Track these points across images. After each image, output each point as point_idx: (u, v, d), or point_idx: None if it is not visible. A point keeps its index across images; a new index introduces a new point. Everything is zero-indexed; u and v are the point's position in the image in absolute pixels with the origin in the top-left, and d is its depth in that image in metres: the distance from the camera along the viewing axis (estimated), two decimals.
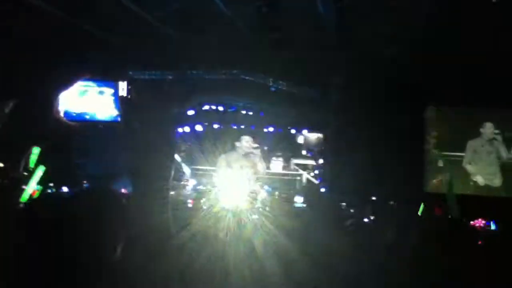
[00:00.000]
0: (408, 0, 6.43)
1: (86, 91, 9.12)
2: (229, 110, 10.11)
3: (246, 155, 5.34)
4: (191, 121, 10.16)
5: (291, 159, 10.23)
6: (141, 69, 9.56)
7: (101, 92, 9.26)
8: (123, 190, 6.62)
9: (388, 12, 6.73)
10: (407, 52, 7.64)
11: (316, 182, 9.79)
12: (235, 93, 9.80)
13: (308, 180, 9.94)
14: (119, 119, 8.74)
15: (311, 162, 10.22)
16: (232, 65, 9.23)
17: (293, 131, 10.26)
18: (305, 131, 10.24)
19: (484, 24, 6.52)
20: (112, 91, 9.23)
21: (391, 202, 6.92)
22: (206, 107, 10.13)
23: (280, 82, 9.52)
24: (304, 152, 10.40)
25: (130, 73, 9.60)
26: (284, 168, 10.20)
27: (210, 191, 6.01)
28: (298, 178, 10.03)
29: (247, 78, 9.38)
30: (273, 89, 9.60)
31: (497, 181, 8.64)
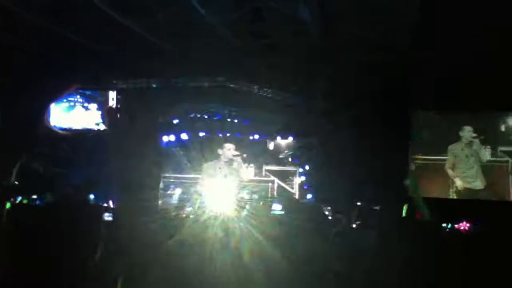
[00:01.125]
0: (393, 6, 6.54)
1: (73, 106, 9.15)
2: (214, 118, 10.12)
3: (228, 162, 5.35)
4: (176, 130, 10.13)
5: (263, 165, 10.29)
6: (126, 77, 9.52)
7: (88, 106, 9.27)
8: (105, 204, 6.55)
9: (372, 18, 6.84)
10: (389, 58, 7.77)
11: (291, 189, 9.84)
12: (220, 100, 9.81)
13: (281, 186, 10.00)
14: (106, 128, 8.72)
15: (288, 168, 10.28)
16: (217, 72, 9.25)
17: (278, 137, 10.31)
18: (290, 138, 10.30)
19: (462, 30, 6.67)
20: (98, 103, 9.26)
21: (376, 207, 7.00)
22: (191, 115, 10.12)
23: (266, 89, 9.56)
24: (290, 159, 10.45)
25: (114, 82, 9.56)
26: (256, 174, 10.24)
27: (196, 199, 6.00)
28: (270, 184, 10.09)
29: (232, 85, 9.41)
30: (258, 96, 9.64)
31: (478, 184, 8.80)
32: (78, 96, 9.16)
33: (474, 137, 8.76)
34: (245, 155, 9.34)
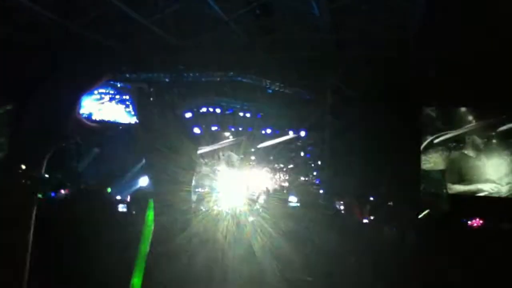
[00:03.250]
0: (402, 2, 6.47)
1: (104, 98, 9.14)
2: (226, 112, 10.14)
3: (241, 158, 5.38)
4: (189, 124, 10.17)
5: (276, 161, 10.34)
6: (138, 71, 9.58)
7: (119, 98, 9.26)
8: (118, 197, 6.62)
9: (382, 14, 6.78)
10: (401, 54, 7.70)
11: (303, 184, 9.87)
12: (231, 95, 9.82)
13: (296, 180, 10.04)
14: (137, 121, 8.71)
15: (301, 163, 10.29)
16: (228, 67, 9.26)
17: (290, 132, 10.29)
18: (302, 133, 10.28)
19: (475, 26, 6.58)
20: (130, 95, 9.25)
21: (390, 203, 6.96)
22: (204, 110, 10.16)
23: (277, 83, 9.54)
24: (302, 154, 10.45)
25: (127, 76, 9.62)
26: (269, 170, 10.33)
27: (209, 194, 6.04)
28: (283, 178, 10.16)
29: (243, 80, 9.41)
30: (269, 91, 9.63)
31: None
32: (109, 89, 9.16)
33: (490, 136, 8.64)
34: (253, 158, 9.41)
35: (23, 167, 0.87)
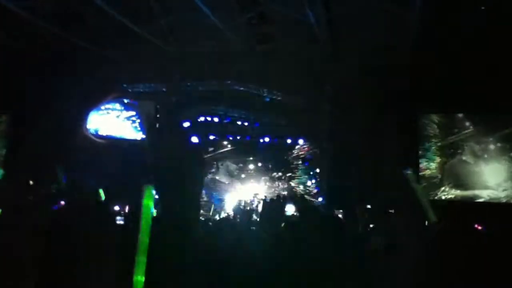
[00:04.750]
0: (397, 10, 6.52)
1: (110, 113, 9.10)
2: (224, 121, 10.14)
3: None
4: (191, 137, 10.15)
5: (274, 169, 10.39)
6: (135, 82, 9.59)
7: (125, 113, 9.23)
8: (116, 207, 6.60)
9: (379, 21, 6.83)
10: (398, 61, 7.74)
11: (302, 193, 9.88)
12: (229, 104, 9.84)
13: (293, 189, 10.07)
14: (143, 137, 8.74)
15: (299, 171, 10.31)
16: (225, 76, 9.29)
17: (288, 140, 10.30)
18: (300, 141, 10.29)
19: (473, 32, 6.63)
20: (137, 111, 9.25)
21: (390, 211, 6.93)
22: (201, 119, 10.16)
23: (274, 92, 9.57)
24: (300, 162, 10.46)
25: (124, 85, 9.62)
26: (266, 180, 10.38)
27: (209, 202, 6.04)
28: (281, 187, 10.22)
29: (241, 88, 9.43)
30: (267, 99, 9.65)
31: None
32: (117, 105, 9.17)
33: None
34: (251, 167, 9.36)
35: (31, 182, 0.88)
